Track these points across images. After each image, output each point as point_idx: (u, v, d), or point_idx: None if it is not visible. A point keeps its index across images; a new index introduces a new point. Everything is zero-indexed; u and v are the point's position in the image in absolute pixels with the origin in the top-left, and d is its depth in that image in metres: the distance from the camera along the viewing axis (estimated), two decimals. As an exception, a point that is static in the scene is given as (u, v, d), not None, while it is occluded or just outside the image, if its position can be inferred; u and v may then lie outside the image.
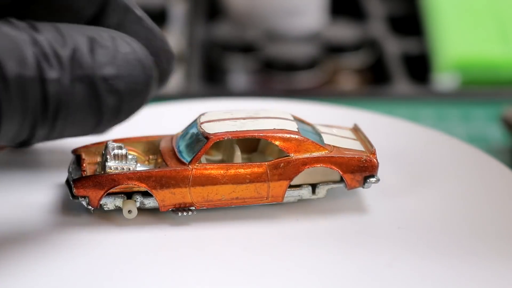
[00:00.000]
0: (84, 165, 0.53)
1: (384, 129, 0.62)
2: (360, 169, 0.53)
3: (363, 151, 0.54)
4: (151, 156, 0.54)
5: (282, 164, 0.52)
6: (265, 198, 0.52)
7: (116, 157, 0.51)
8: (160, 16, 0.93)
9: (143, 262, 0.49)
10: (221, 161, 0.54)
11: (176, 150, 0.53)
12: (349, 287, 0.47)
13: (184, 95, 0.88)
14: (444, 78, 0.98)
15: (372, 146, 0.54)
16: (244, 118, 0.53)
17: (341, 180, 0.53)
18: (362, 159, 0.53)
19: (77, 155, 0.54)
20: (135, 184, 0.50)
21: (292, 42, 1.00)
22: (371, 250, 0.50)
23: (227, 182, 0.51)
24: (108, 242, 0.50)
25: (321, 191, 0.53)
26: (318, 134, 0.54)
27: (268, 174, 0.52)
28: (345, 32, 1.04)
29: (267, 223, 0.52)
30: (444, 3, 1.05)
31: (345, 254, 0.50)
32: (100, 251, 0.50)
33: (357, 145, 0.54)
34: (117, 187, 0.50)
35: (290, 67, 0.97)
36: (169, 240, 0.51)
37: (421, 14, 1.07)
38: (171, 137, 0.55)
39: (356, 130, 0.57)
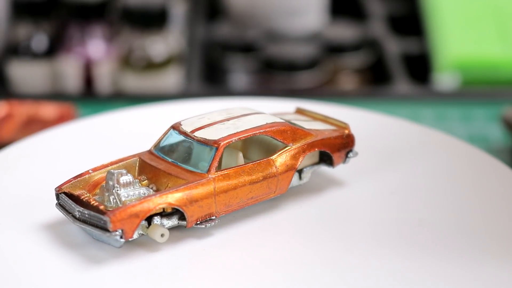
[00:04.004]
0: (92, 200, 0.50)
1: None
2: (344, 145, 0.55)
3: (336, 129, 0.56)
4: (139, 177, 0.52)
5: (285, 156, 0.53)
6: (273, 192, 0.53)
7: (125, 184, 0.50)
8: (160, 16, 0.93)
9: (205, 278, 0.48)
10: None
11: (176, 164, 0.52)
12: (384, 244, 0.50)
13: (184, 95, 0.89)
14: (444, 78, 0.98)
15: (343, 122, 0.56)
16: (227, 120, 0.54)
17: (320, 161, 0.55)
18: (344, 136, 0.55)
19: (65, 193, 0.51)
20: (167, 206, 0.49)
21: (292, 42, 1.00)
22: (388, 214, 0.53)
23: (244, 184, 0.51)
24: (152, 267, 0.49)
25: (306, 175, 0.55)
26: (291, 122, 0.55)
27: (276, 168, 0.52)
28: (345, 32, 1.04)
29: (280, 215, 0.53)
30: (444, 3, 1.05)
31: (370, 224, 0.52)
32: (148, 278, 0.48)
33: (322, 125, 0.56)
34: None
35: (290, 67, 0.97)
36: (210, 253, 0.50)
37: (421, 14, 1.07)
38: (148, 153, 0.53)
39: (301, 112, 0.59)
